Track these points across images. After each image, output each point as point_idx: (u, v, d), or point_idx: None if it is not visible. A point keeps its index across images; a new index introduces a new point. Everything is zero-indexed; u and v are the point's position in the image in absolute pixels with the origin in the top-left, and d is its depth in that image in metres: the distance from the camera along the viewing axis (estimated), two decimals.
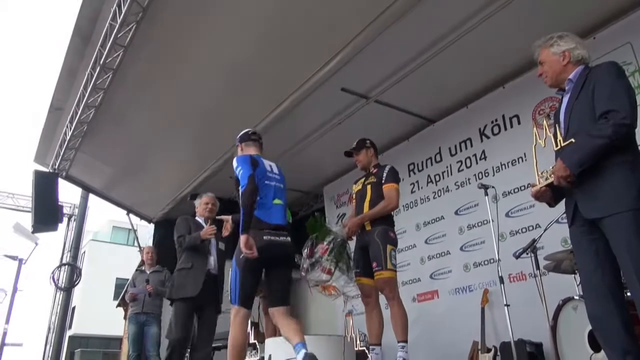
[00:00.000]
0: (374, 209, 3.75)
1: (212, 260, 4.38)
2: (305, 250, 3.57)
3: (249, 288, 3.02)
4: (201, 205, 4.67)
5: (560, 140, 2.35)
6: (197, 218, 4.64)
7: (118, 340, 21.57)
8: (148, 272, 6.20)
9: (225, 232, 4.25)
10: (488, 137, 5.27)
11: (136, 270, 6.71)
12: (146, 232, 10.37)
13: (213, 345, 5.83)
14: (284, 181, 3.31)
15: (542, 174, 2.42)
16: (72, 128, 5.98)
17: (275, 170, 3.29)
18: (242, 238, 2.90)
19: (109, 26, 4.56)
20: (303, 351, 2.76)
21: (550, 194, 2.46)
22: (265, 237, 2.99)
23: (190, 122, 5.88)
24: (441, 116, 5.80)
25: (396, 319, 3.52)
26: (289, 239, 3.11)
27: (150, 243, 8.46)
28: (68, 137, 6.21)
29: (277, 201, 3.14)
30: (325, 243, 3.55)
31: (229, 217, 4.23)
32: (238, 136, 3.49)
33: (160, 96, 5.42)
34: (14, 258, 15.44)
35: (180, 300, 4.21)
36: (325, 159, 6.87)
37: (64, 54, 5.16)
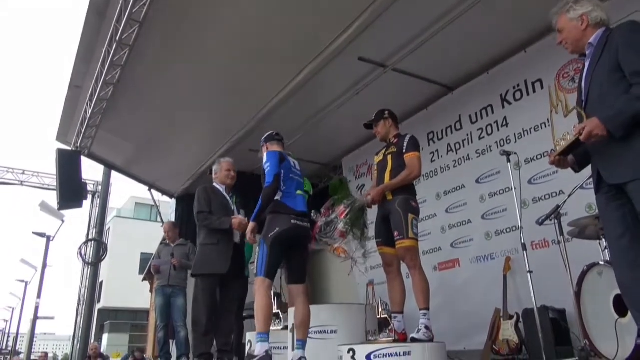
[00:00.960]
0: (396, 178, 3.73)
1: (235, 231, 4.31)
2: (322, 209, 3.59)
3: (275, 263, 3.41)
4: (222, 171, 4.50)
5: (581, 113, 2.29)
6: (215, 185, 4.49)
7: (145, 312, 22.21)
8: (173, 245, 6.31)
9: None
10: (510, 103, 5.18)
11: (161, 243, 6.83)
12: (168, 207, 10.51)
13: (244, 314, 5.97)
14: (302, 177, 3.76)
15: (562, 136, 2.37)
16: (92, 106, 6.04)
17: (298, 167, 3.77)
18: (251, 225, 3.45)
19: (123, 1, 4.55)
20: (301, 353, 3.27)
21: (570, 161, 2.41)
22: (292, 221, 3.44)
23: (208, 96, 5.89)
24: (461, 83, 5.70)
25: (418, 286, 3.53)
26: (309, 224, 3.57)
27: (173, 218, 8.59)
28: (88, 115, 6.28)
29: (299, 192, 3.61)
30: (343, 206, 3.57)
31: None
32: (263, 137, 3.94)
33: (177, 71, 5.42)
34: (42, 235, 15.90)
35: (206, 276, 4.15)
36: (344, 130, 6.85)
37: (81, 31, 5.17)
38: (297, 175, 3.68)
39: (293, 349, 3.54)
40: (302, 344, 3.35)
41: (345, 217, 3.52)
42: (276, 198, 3.48)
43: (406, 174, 3.73)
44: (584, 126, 2.16)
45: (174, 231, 6.47)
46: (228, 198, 4.47)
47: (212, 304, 4.13)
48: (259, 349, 3.22)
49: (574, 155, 2.44)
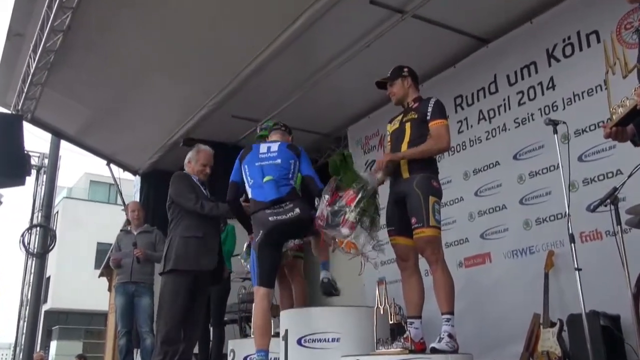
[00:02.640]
0: (419, 147, 3.73)
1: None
2: (326, 196, 3.59)
3: (266, 268, 3.77)
4: (198, 163, 4.68)
5: None
6: (188, 173, 4.69)
7: (102, 315, 22.34)
8: (135, 232, 6.34)
9: None
10: (558, 61, 5.15)
11: (121, 230, 6.87)
12: (131, 186, 10.52)
13: (226, 318, 6.10)
14: (283, 155, 4.01)
15: (620, 102, 2.36)
16: (37, 58, 6.00)
17: (274, 148, 4.05)
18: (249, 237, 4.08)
19: None
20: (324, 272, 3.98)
21: (630, 132, 2.40)
22: (270, 219, 3.72)
23: (182, 48, 5.86)
24: (497, 34, 5.67)
25: (440, 286, 3.56)
26: (296, 210, 3.75)
27: (137, 199, 8.62)
28: (32, 70, 6.24)
29: (267, 178, 3.89)
30: (352, 190, 3.56)
31: None
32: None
33: (144, 17, 5.39)
34: None
35: (182, 273, 4.29)
36: (350, 92, 6.82)
37: None
38: (268, 160, 3.99)
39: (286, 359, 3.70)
40: (325, 264, 3.98)
41: (356, 204, 3.50)
42: (249, 195, 3.94)
43: (433, 144, 3.73)
44: None
45: (141, 212, 6.49)
46: (202, 188, 4.64)
47: (184, 307, 4.27)
48: None
49: (636, 125, 2.43)
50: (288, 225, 3.74)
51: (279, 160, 3.98)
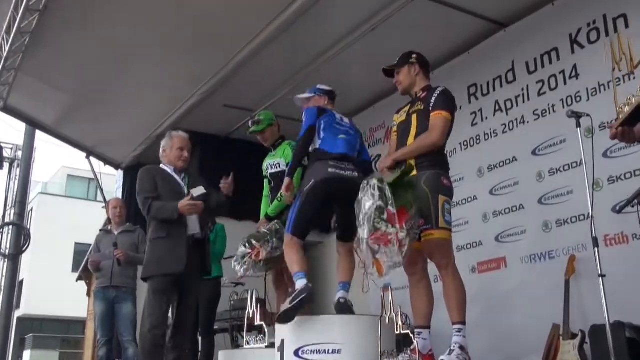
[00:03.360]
0: (409, 145, 3.79)
1: (194, 220, 4.43)
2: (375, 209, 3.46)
3: (307, 219, 3.89)
4: (173, 149, 4.61)
5: None
6: (163, 167, 4.64)
7: (80, 322, 22.33)
8: (116, 232, 6.35)
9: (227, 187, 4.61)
10: (582, 47, 5.16)
11: (101, 230, 6.88)
12: (112, 181, 10.52)
13: (216, 327, 6.12)
14: (354, 130, 4.27)
15: (626, 100, 2.38)
16: (10, 41, 5.99)
17: (347, 121, 4.29)
18: (286, 180, 4.01)
19: None
20: (341, 292, 3.91)
21: (637, 132, 2.41)
22: (329, 170, 3.87)
23: (170, 30, 5.85)
24: (516, 17, 5.68)
25: (450, 294, 3.58)
26: (356, 173, 3.93)
27: (119, 195, 8.63)
28: (5, 53, 6.23)
29: (342, 136, 4.09)
30: (406, 210, 3.48)
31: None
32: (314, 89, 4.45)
33: None
34: None
35: (157, 278, 4.32)
36: (353, 81, 6.82)
37: None
38: (344, 127, 4.19)
39: None
40: (344, 286, 3.95)
41: (406, 224, 3.44)
42: (314, 147, 4.04)
43: (423, 138, 3.77)
44: None
45: (124, 209, 6.48)
46: (179, 180, 4.58)
47: (165, 312, 4.30)
48: (299, 284, 3.74)
49: None
50: (341, 182, 3.87)
51: (352, 132, 4.22)
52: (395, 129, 4.13)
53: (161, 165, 4.65)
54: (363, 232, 3.47)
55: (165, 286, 4.31)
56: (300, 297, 3.59)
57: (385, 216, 3.44)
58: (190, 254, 4.34)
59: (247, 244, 4.55)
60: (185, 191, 4.49)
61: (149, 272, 4.38)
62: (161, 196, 4.43)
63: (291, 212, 3.95)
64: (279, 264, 4.59)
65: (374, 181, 3.56)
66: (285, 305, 3.64)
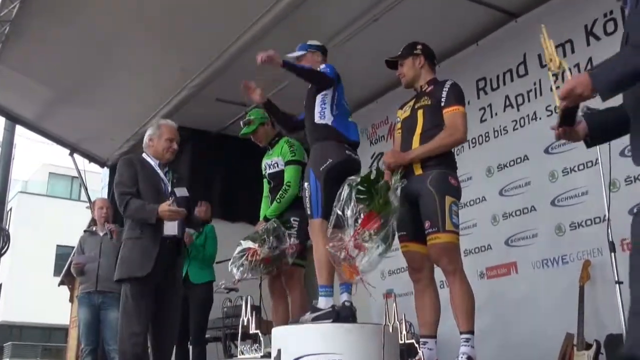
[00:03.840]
0: (430, 142, 3.74)
1: (177, 220, 4.33)
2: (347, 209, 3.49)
3: (330, 200, 3.73)
4: (161, 139, 4.48)
5: None
6: (146, 158, 4.52)
7: (62, 330, 22.34)
8: (101, 234, 6.34)
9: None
10: (598, 39, 5.17)
11: (85, 231, 6.87)
12: (97, 179, 10.52)
13: (208, 335, 6.11)
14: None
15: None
16: None
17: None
18: (275, 56, 4.02)
19: None
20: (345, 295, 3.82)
21: (582, 131, 2.44)
22: (346, 152, 3.97)
23: (159, 18, 5.86)
24: (528, 7, 5.69)
25: (458, 301, 3.58)
26: (358, 158, 4.13)
27: (105, 195, 8.62)
28: None
29: (351, 119, 4.20)
30: (377, 216, 3.45)
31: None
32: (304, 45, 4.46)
33: None
34: None
35: (132, 281, 4.24)
36: (355, 74, 6.77)
37: None
38: (348, 106, 4.30)
39: None
40: (347, 287, 3.83)
41: (376, 233, 3.43)
42: (326, 122, 4.01)
43: (445, 137, 3.74)
44: (568, 83, 2.19)
45: (110, 209, 6.45)
46: (162, 175, 4.48)
47: (143, 319, 4.23)
48: (323, 302, 3.74)
49: (589, 124, 2.47)
50: (355, 164, 4.02)
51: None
52: (399, 125, 4.13)
53: (144, 156, 4.51)
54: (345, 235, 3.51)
55: (140, 290, 4.22)
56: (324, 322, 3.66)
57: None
58: (163, 256, 4.25)
59: (243, 245, 4.54)
60: (168, 189, 4.42)
61: (119, 274, 4.30)
62: (140, 192, 4.33)
63: (313, 193, 3.86)
64: (279, 266, 4.60)
65: (346, 187, 3.57)
66: (306, 319, 3.73)
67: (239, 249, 4.60)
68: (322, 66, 4.19)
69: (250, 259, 4.46)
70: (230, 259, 4.71)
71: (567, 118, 2.43)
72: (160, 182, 4.45)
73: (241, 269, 4.51)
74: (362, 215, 3.45)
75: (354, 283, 3.67)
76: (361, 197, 3.49)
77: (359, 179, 3.58)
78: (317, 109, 4.04)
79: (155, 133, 4.52)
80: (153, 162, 4.47)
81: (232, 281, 5.17)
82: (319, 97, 4.06)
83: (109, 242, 6.20)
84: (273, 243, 4.45)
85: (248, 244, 4.54)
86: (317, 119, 4.04)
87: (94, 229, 6.57)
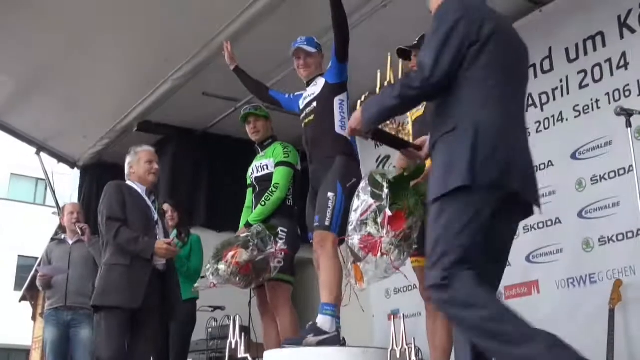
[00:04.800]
0: None
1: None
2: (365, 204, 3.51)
3: (347, 218, 3.82)
4: (140, 164, 4.81)
5: None
6: (130, 183, 4.80)
7: (23, 352, 22.23)
8: (71, 242, 6.30)
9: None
10: (633, 31, 5.18)
11: (52, 240, 6.84)
12: (66, 183, 10.51)
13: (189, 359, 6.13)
14: None
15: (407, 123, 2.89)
16: None
17: None
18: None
19: None
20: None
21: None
22: (361, 174, 4.17)
23: (140, 1, 5.87)
24: None
25: None
26: None
27: (75, 199, 8.60)
28: None
29: None
30: (404, 214, 3.46)
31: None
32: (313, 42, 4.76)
33: None
34: None
35: (112, 310, 4.42)
36: (357, 67, 6.77)
37: None
38: None
39: None
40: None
41: (401, 240, 3.43)
42: (347, 137, 4.20)
43: None
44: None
45: (82, 216, 6.40)
46: (149, 203, 4.76)
47: (122, 346, 4.41)
48: (328, 324, 3.84)
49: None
50: None
51: None
52: (409, 127, 4.13)
53: (129, 183, 4.79)
54: (353, 232, 3.49)
55: (121, 319, 4.42)
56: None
57: (380, 218, 3.44)
58: (152, 287, 4.47)
59: (221, 247, 4.60)
60: (153, 214, 4.72)
61: (101, 301, 4.47)
62: (128, 220, 4.56)
63: (337, 206, 4.06)
64: (258, 279, 4.57)
65: (377, 176, 3.55)
66: (309, 342, 3.75)
67: (214, 251, 4.63)
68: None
69: (230, 261, 4.43)
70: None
71: (390, 143, 3.07)
72: (149, 210, 4.74)
73: (217, 273, 4.49)
74: (381, 214, 3.43)
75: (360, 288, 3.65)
76: (386, 192, 3.45)
77: (386, 172, 3.66)
78: (338, 117, 4.30)
79: (134, 159, 4.84)
80: (140, 189, 4.75)
81: (207, 285, 5.15)
82: (336, 103, 4.35)
83: (80, 251, 6.16)
84: (258, 244, 4.44)
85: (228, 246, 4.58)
86: (337, 129, 4.28)
87: (63, 237, 6.54)
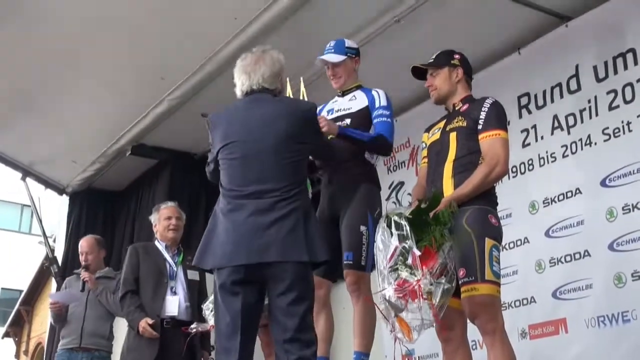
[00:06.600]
0: (468, 183, 3.69)
1: (178, 301, 5.01)
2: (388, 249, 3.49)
3: None
4: (160, 221, 5.39)
5: None
6: (156, 242, 5.41)
7: None
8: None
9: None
10: None
11: (73, 273, 6.63)
12: (55, 210, 10.51)
13: None
14: None
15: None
16: None
17: None
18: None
19: None
20: None
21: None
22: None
23: (134, 14, 5.89)
24: (582, 9, 5.69)
25: None
26: None
27: (62, 228, 8.60)
28: None
29: None
30: (432, 250, 3.43)
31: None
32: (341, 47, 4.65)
33: None
34: None
35: None
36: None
37: None
38: None
39: None
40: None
41: (441, 276, 3.42)
42: (374, 163, 4.42)
43: (484, 173, 3.71)
44: None
45: (97, 252, 6.30)
46: (169, 259, 5.26)
47: None
48: None
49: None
50: None
51: None
52: (425, 152, 4.11)
53: (154, 242, 5.45)
54: (384, 284, 3.45)
55: None
56: None
57: (409, 260, 3.41)
58: (167, 342, 4.95)
59: None
60: (168, 270, 5.21)
61: None
62: (140, 280, 5.17)
63: (371, 243, 3.96)
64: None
65: (394, 217, 3.53)
66: None
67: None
68: (385, 103, 4.48)
69: None
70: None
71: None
72: (163, 267, 5.24)
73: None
74: (409, 255, 3.41)
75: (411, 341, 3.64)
76: (407, 230, 3.46)
77: (402, 210, 3.67)
78: None
79: (155, 218, 5.49)
80: (161, 246, 5.37)
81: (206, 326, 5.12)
82: (373, 129, 4.36)
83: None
84: None
85: None
86: (368, 156, 4.36)
87: (78, 271, 6.41)
